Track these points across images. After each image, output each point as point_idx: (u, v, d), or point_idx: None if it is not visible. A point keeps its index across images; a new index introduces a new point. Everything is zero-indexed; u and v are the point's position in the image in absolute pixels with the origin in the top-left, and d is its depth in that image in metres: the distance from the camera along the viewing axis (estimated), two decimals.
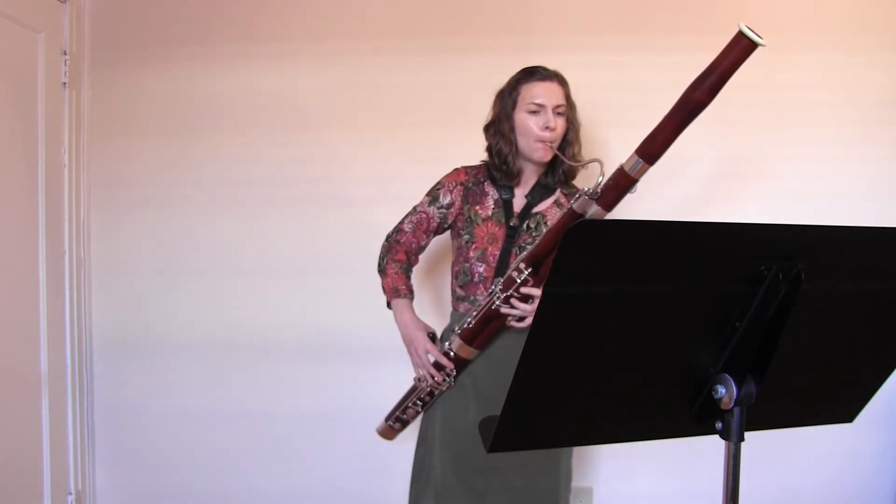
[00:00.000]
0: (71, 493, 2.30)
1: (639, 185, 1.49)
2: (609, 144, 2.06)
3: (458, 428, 1.72)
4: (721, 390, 0.93)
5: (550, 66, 1.72)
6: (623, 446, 2.08)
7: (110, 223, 2.37)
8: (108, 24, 2.34)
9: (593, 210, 1.51)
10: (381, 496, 2.29)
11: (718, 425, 0.95)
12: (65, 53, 2.25)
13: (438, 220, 1.77)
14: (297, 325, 2.32)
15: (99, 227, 2.38)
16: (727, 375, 0.92)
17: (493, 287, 1.62)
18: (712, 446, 1.03)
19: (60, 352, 2.27)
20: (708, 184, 2.22)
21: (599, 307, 0.85)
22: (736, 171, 2.21)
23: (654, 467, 2.27)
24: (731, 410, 0.92)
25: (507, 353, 1.69)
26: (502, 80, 1.74)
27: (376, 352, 2.23)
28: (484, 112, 1.77)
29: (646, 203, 2.21)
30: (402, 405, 1.83)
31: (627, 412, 0.98)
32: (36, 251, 2.17)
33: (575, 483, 2.28)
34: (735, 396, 0.91)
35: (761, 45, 1.26)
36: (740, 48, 1.29)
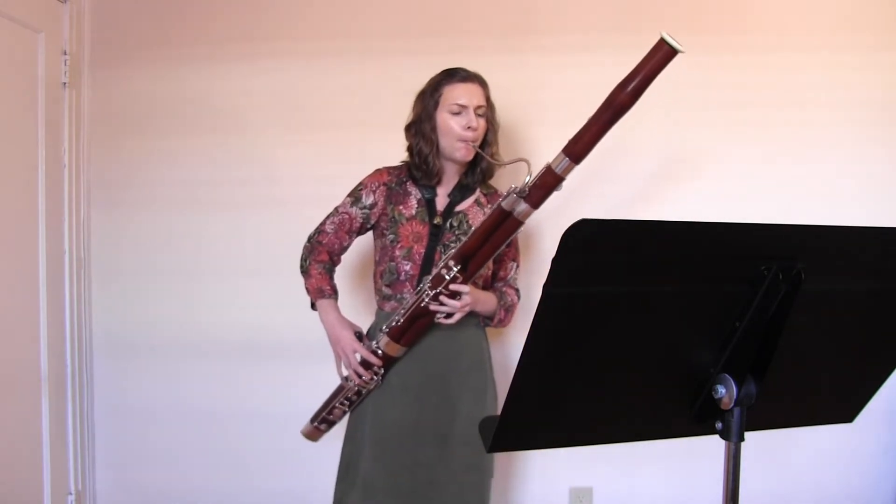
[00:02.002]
0: (71, 493, 2.30)
1: (564, 183, 1.53)
2: (610, 145, 2.05)
3: (388, 425, 1.73)
4: (721, 390, 0.93)
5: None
6: (623, 446, 2.06)
7: (110, 223, 2.37)
8: (108, 24, 2.34)
9: (521, 208, 1.54)
10: None
11: (718, 425, 0.95)
12: (65, 53, 2.25)
13: (361, 221, 1.78)
14: (297, 324, 2.30)
15: (99, 227, 2.37)
16: (727, 375, 0.92)
17: (421, 285, 1.64)
18: (712, 446, 1.03)
19: (60, 352, 2.27)
20: (707, 184, 2.22)
21: (599, 307, 0.85)
22: (736, 172, 2.21)
23: (654, 467, 2.27)
24: (731, 410, 0.93)
25: (432, 351, 1.72)
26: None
27: None
28: None
29: (647, 205, 2.23)
30: (328, 406, 1.82)
31: (627, 412, 0.98)
32: (36, 251, 2.17)
33: (575, 483, 2.30)
34: (735, 396, 0.91)
35: (681, 51, 1.36)
36: (662, 54, 1.38)
